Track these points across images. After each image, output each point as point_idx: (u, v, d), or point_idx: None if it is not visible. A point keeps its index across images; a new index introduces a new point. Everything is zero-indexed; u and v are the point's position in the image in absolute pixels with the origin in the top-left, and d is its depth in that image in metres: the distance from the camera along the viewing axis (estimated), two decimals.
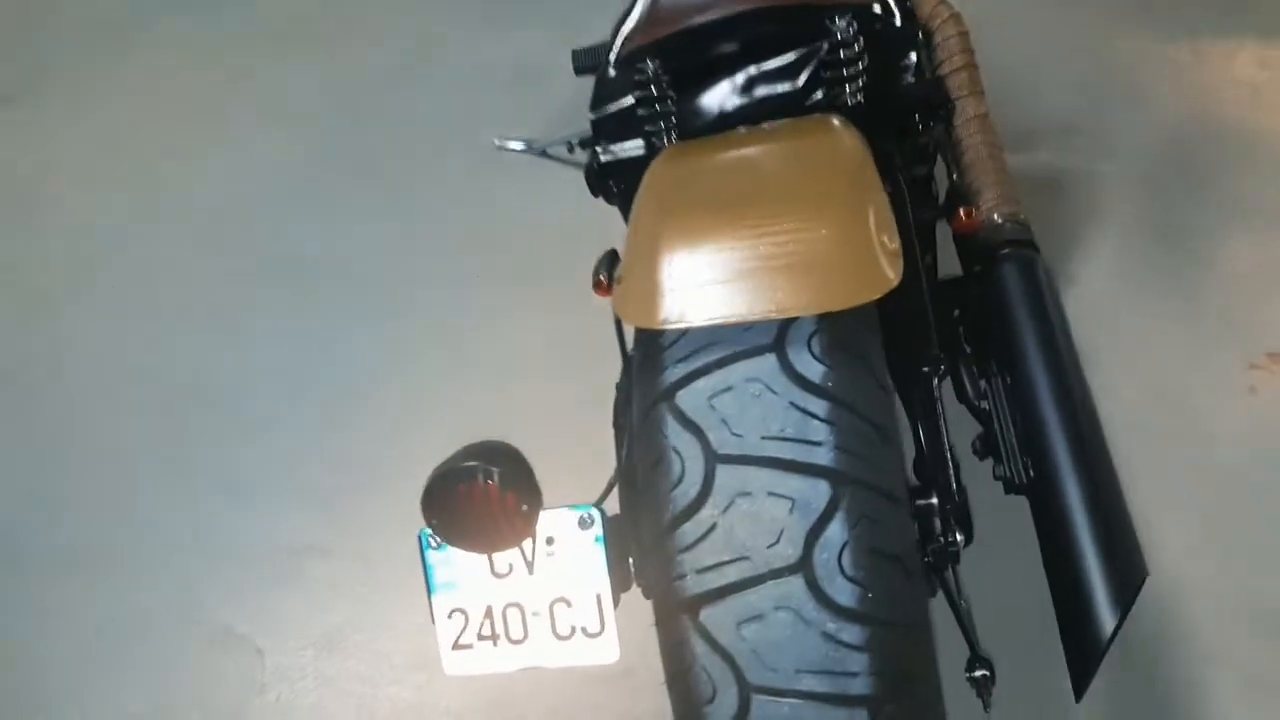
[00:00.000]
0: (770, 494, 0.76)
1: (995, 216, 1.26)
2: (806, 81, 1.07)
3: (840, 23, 1.03)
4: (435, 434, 1.11)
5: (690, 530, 0.78)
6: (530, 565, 0.95)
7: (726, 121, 1.07)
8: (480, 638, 0.99)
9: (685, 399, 0.80)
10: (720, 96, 1.08)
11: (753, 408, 0.78)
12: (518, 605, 0.96)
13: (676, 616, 0.79)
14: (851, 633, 0.75)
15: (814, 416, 0.77)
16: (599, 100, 1.15)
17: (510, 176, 2.35)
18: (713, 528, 0.77)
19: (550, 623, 0.95)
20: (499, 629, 0.98)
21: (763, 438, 0.76)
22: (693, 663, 0.78)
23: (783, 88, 1.07)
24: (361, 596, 1.69)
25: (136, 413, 2.17)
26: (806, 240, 0.77)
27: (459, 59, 2.92)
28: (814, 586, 0.75)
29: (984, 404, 1.10)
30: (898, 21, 1.12)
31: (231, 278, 2.42)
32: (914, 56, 1.14)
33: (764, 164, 0.92)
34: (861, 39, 1.04)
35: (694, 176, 0.92)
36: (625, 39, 1.11)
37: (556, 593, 0.94)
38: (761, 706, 0.76)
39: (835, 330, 0.80)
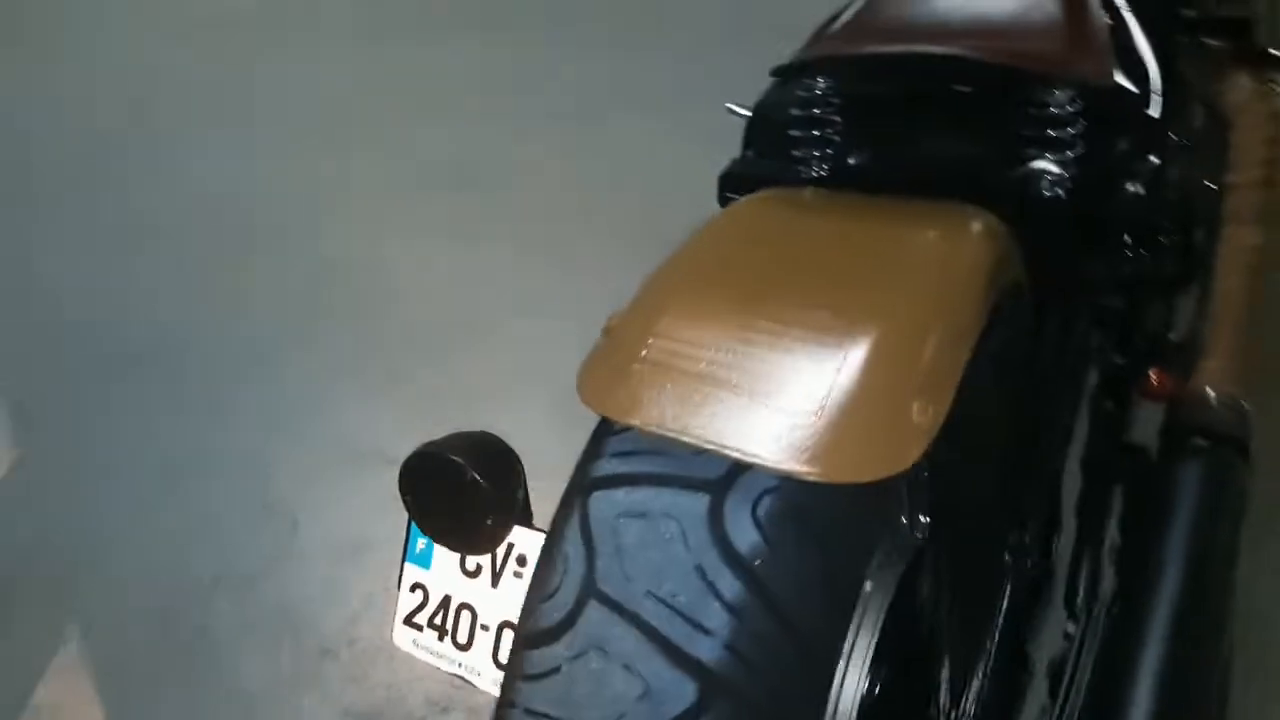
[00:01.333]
0: (625, 666, 0.58)
1: (1208, 391, 0.95)
2: (990, 158, 0.85)
3: (1060, 96, 0.82)
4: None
5: (535, 660, 0.62)
6: (496, 577, 0.87)
7: (871, 177, 0.88)
8: (430, 625, 0.93)
9: (597, 504, 0.63)
10: (879, 146, 0.89)
11: (655, 551, 0.59)
12: (472, 610, 0.89)
13: None
14: None
15: (717, 595, 0.57)
16: (766, 98, 0.98)
17: None
18: (555, 670, 0.60)
19: (493, 643, 0.87)
20: (449, 625, 0.91)
21: (648, 593, 0.58)
22: None
23: (955, 158, 0.87)
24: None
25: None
26: (812, 368, 0.59)
27: None
28: None
29: (1071, 626, 0.87)
30: (1151, 109, 0.89)
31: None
32: (1155, 158, 0.89)
33: (840, 248, 0.73)
34: (1084, 123, 0.82)
35: (754, 237, 0.75)
36: (812, 43, 0.94)
37: (510, 615, 0.86)
38: None
39: (800, 495, 0.60)
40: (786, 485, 0.59)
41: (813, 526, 0.59)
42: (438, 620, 0.92)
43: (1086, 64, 0.82)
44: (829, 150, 0.89)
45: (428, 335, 2.22)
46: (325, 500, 1.88)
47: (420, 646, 0.94)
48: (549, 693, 0.60)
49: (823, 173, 0.89)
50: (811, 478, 0.55)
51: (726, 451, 0.57)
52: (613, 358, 0.65)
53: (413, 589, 0.94)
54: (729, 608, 0.56)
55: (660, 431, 0.59)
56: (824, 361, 0.59)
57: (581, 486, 0.65)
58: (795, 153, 0.91)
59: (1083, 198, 0.83)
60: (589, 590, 0.61)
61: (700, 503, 0.60)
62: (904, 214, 0.78)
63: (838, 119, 0.90)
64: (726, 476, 0.60)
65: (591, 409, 0.63)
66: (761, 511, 0.59)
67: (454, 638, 0.90)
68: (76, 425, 2.15)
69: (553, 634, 0.61)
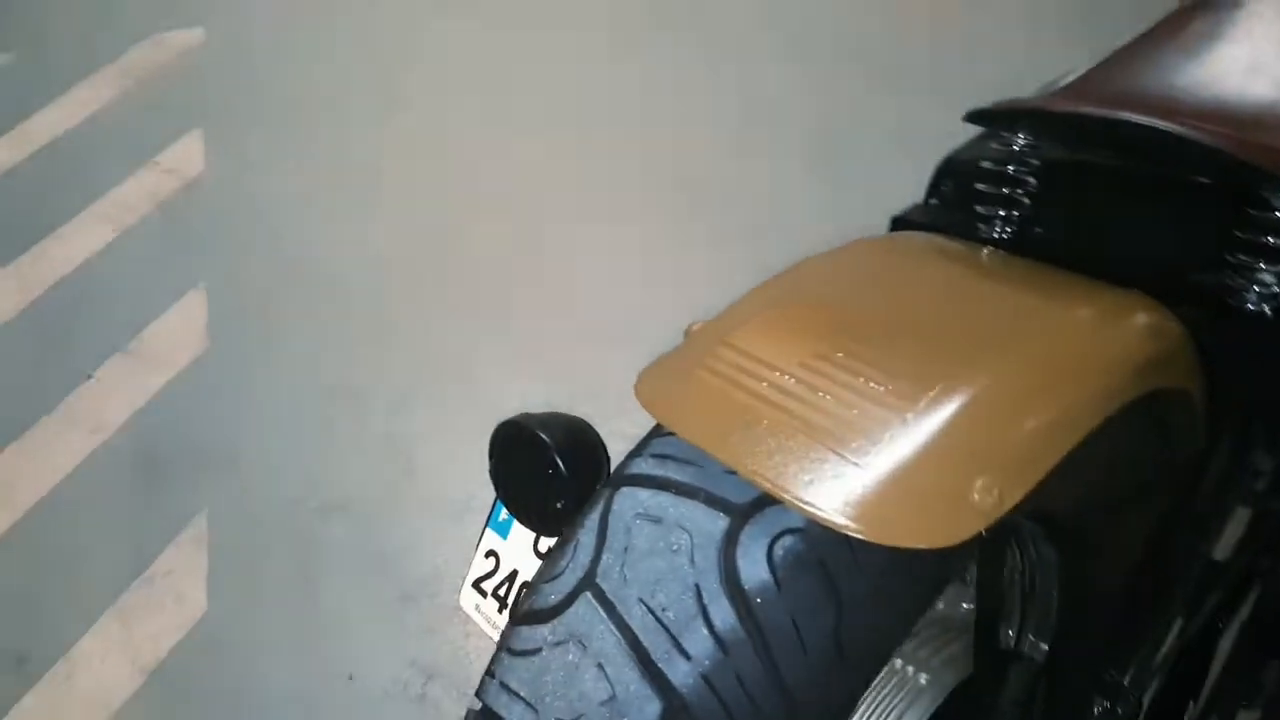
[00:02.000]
0: (599, 666, 0.55)
1: None
2: (1193, 254, 0.76)
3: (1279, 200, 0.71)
4: None
5: (523, 637, 0.60)
6: None
7: (1053, 249, 0.78)
8: (494, 594, 0.96)
9: (621, 499, 0.61)
10: (1070, 217, 0.81)
11: (659, 560, 0.56)
12: None
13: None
14: None
15: (707, 620, 0.53)
16: (962, 147, 0.92)
17: None
18: (536, 651, 0.59)
19: None
20: (509, 599, 0.95)
21: (639, 600, 0.56)
22: None
23: (1152, 245, 0.78)
24: None
25: None
26: (877, 415, 0.54)
27: None
28: None
29: None
30: None
31: None
32: None
33: (967, 305, 0.67)
34: None
35: (872, 274, 0.70)
36: (1030, 99, 0.86)
37: None
38: None
39: (825, 546, 0.55)
40: (812, 530, 0.55)
41: (833, 584, 0.54)
42: (501, 591, 0.95)
43: None
44: (1014, 212, 0.82)
45: (600, 325, 2.25)
46: (447, 454, 1.97)
47: (481, 613, 0.97)
48: (524, 672, 0.59)
49: (1002, 235, 0.83)
50: (836, 526, 0.51)
51: (756, 479, 0.54)
52: (679, 360, 0.63)
53: (487, 555, 0.96)
54: (716, 637, 0.53)
55: (696, 443, 0.57)
56: (893, 411, 0.55)
57: (615, 479, 0.63)
58: (978, 208, 0.84)
59: None
60: (587, 582, 0.59)
61: (718, 523, 0.57)
62: (1060, 287, 0.71)
63: (1031, 180, 0.82)
64: (753, 504, 0.57)
65: (641, 404, 0.61)
66: (779, 549, 0.55)
67: (510, 614, 0.93)
68: (259, 333, 2.34)
69: (544, 616, 0.60)
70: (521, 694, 0.58)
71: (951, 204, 0.89)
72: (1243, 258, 0.74)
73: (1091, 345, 0.64)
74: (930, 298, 0.68)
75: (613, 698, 0.54)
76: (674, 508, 0.58)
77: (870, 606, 0.56)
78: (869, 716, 0.75)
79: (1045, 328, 0.64)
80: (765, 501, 0.56)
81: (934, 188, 0.92)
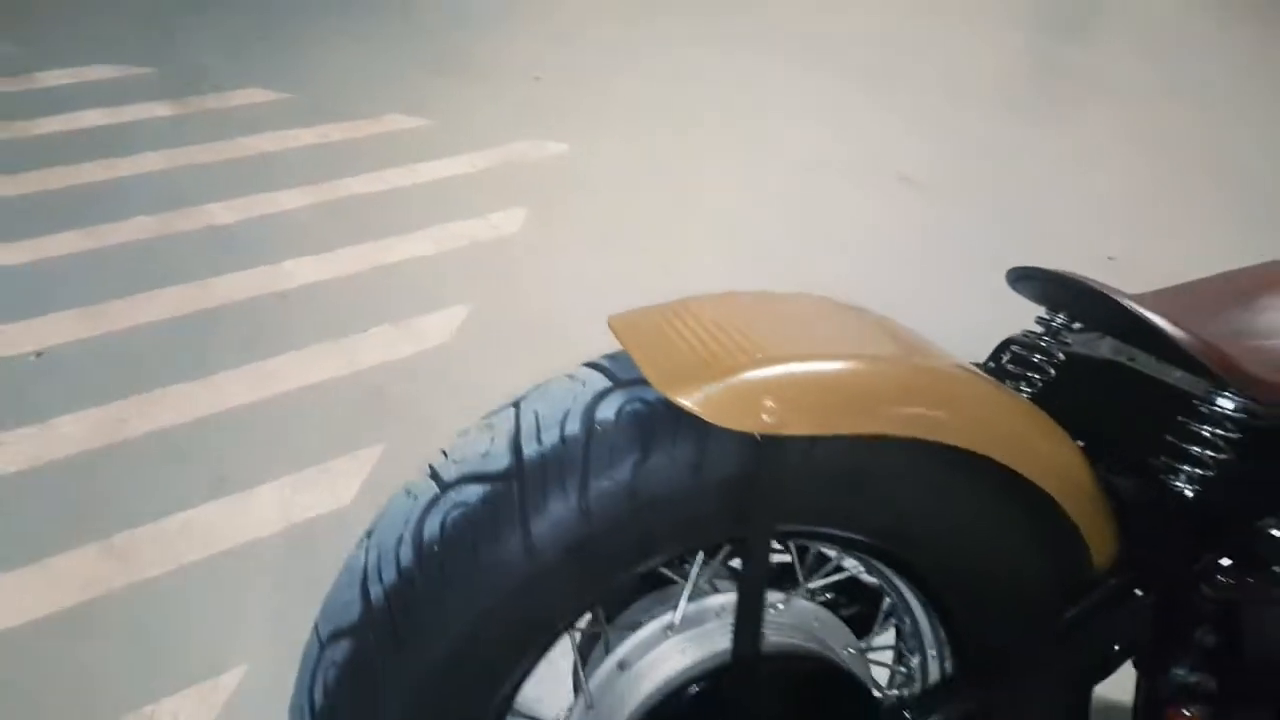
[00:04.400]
0: (505, 435, 0.80)
1: None
2: (1145, 433, 0.93)
3: (1223, 403, 0.87)
4: None
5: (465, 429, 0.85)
6: None
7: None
8: None
9: (576, 369, 0.86)
10: (1068, 389, 1.00)
11: (562, 391, 0.82)
12: None
13: None
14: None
15: (561, 426, 0.78)
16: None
17: None
18: (465, 431, 0.84)
19: None
20: None
21: (534, 409, 0.81)
22: None
23: (1117, 423, 0.98)
24: None
25: None
26: (731, 352, 0.76)
27: None
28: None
29: None
30: None
31: None
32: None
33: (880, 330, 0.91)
34: (1235, 436, 0.87)
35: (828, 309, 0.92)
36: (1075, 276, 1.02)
37: None
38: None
39: (661, 415, 0.77)
40: (656, 403, 0.77)
41: (649, 438, 0.77)
42: None
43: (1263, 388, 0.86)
44: (1035, 376, 1.02)
45: None
46: None
47: None
48: (459, 441, 0.84)
49: (1019, 389, 1.01)
50: (660, 390, 0.73)
51: (636, 359, 0.77)
52: (647, 312, 0.85)
53: None
54: (562, 437, 0.78)
55: (624, 347, 0.80)
56: (744, 353, 0.77)
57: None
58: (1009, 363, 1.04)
59: (1205, 503, 0.88)
60: (520, 399, 0.84)
61: (603, 384, 0.80)
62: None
63: (1059, 356, 1.01)
64: (630, 381, 0.80)
65: (611, 328, 0.83)
66: (629, 405, 0.78)
67: None
68: None
69: (487, 416, 0.85)
70: (447, 452, 0.83)
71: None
72: (1182, 444, 0.89)
73: (931, 379, 0.82)
74: (856, 327, 0.90)
75: (486, 453, 0.80)
76: (588, 373, 0.83)
77: (667, 466, 0.77)
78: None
79: (920, 354, 0.85)
80: (641, 383, 0.78)
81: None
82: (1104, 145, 3.46)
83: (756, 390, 0.75)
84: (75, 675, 1.45)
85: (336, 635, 0.80)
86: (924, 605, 0.94)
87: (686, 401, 0.72)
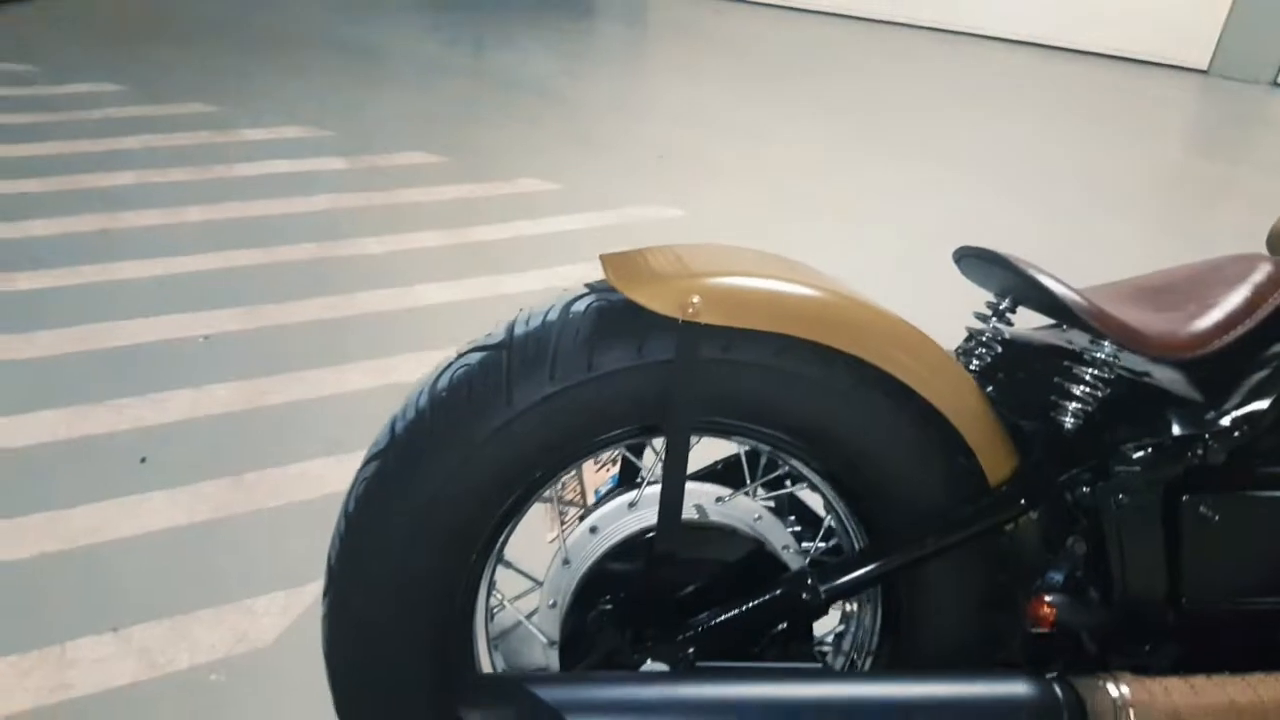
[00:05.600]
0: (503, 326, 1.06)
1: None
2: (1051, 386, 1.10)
3: (1100, 353, 1.06)
4: None
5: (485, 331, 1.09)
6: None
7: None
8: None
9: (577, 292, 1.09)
10: (1006, 366, 1.20)
11: (552, 300, 1.06)
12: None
13: None
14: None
15: (545, 316, 1.02)
16: None
17: None
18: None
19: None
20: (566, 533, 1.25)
21: (524, 314, 1.06)
22: None
23: (1032, 389, 1.13)
24: None
25: None
26: (681, 261, 1.01)
27: None
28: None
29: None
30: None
31: None
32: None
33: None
34: (1108, 376, 1.06)
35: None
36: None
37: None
38: None
39: (620, 309, 0.99)
40: (615, 299, 1.00)
41: (600, 333, 0.99)
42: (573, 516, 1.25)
43: (1140, 339, 1.03)
44: (981, 350, 1.21)
45: None
46: None
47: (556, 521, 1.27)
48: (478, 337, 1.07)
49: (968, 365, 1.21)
50: (611, 281, 0.97)
51: (605, 269, 1.00)
52: (632, 250, 1.06)
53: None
54: (540, 322, 1.02)
55: (607, 275, 1.00)
56: (686, 263, 1.00)
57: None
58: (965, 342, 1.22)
59: (1080, 431, 1.07)
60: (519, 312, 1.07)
61: (583, 289, 1.04)
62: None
63: (1000, 339, 1.22)
64: (601, 286, 1.03)
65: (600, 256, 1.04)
66: (597, 303, 1.01)
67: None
68: None
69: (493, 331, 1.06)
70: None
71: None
72: (1069, 387, 1.07)
73: (840, 300, 1.01)
74: (803, 270, 1.07)
75: (490, 333, 1.04)
76: (577, 286, 1.05)
77: (616, 346, 0.99)
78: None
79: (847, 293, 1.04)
80: (610, 289, 1.01)
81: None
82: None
83: (687, 288, 0.96)
84: (200, 571, 1.77)
85: (368, 460, 1.06)
86: (836, 496, 1.12)
87: (630, 293, 0.95)
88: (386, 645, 1.06)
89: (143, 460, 2.03)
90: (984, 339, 1.19)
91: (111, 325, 2.48)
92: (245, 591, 1.73)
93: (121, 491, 1.94)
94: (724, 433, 1.10)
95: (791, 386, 1.03)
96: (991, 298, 1.20)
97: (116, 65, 4.29)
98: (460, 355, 1.05)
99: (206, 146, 3.60)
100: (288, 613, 1.69)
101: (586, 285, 1.06)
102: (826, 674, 1.07)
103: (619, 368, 1.01)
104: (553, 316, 1.03)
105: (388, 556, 1.03)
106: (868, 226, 3.43)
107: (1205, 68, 5.79)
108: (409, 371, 2.39)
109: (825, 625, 1.18)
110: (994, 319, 1.19)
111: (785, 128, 4.33)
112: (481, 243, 3.12)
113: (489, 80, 4.58)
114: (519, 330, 1.03)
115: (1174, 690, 0.97)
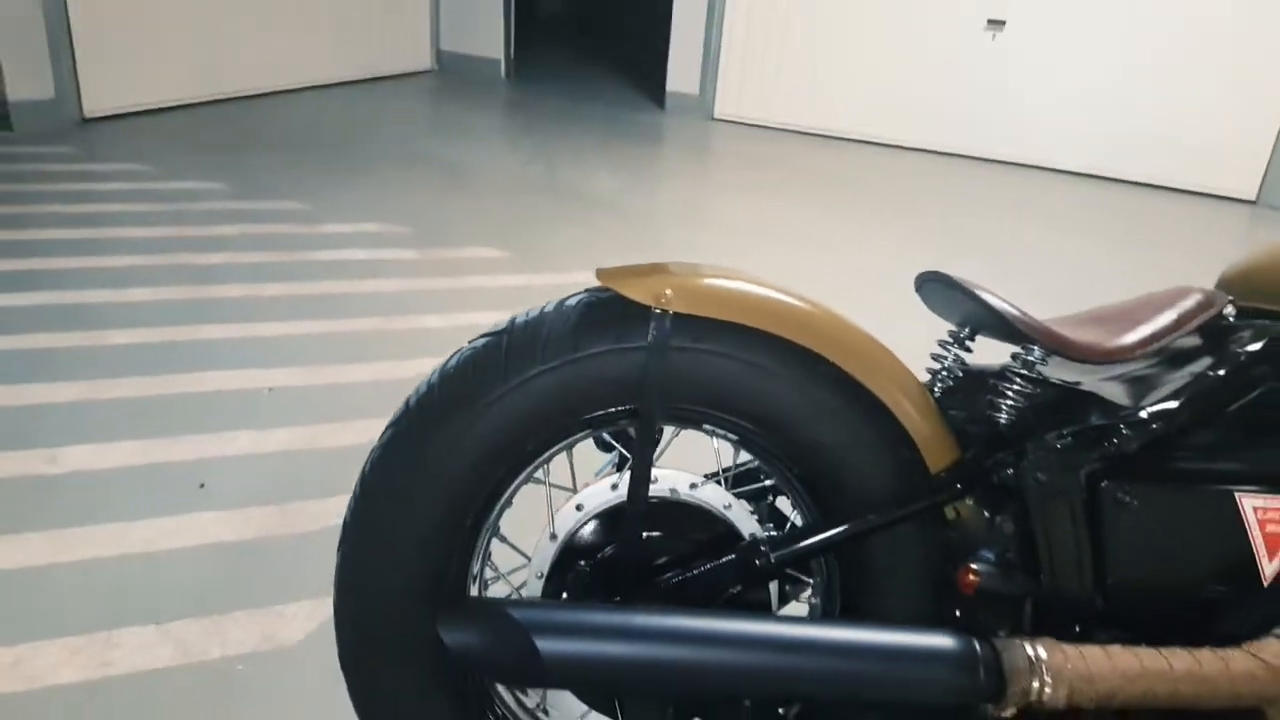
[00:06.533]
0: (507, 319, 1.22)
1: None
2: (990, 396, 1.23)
3: (1032, 359, 1.18)
4: None
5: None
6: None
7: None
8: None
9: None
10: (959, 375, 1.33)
11: (551, 299, 1.26)
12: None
13: None
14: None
15: (542, 309, 1.18)
16: None
17: None
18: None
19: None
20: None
21: (541, 310, 1.21)
22: None
23: (982, 405, 1.24)
24: None
25: None
26: (663, 268, 1.16)
27: None
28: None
29: None
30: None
31: None
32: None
33: None
34: (1038, 379, 1.18)
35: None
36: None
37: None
38: None
39: (606, 301, 1.16)
40: (606, 295, 1.17)
41: (585, 326, 1.15)
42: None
43: (1077, 348, 1.16)
44: (944, 371, 1.35)
45: None
46: None
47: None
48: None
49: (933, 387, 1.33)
50: (599, 276, 1.15)
51: (598, 274, 1.17)
52: (625, 267, 1.20)
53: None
54: (538, 313, 1.20)
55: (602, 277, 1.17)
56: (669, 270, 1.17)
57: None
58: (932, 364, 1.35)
59: (1011, 426, 1.20)
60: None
61: (578, 291, 1.21)
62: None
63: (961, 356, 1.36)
64: (598, 289, 1.19)
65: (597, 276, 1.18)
66: (585, 297, 1.19)
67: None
68: None
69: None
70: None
71: None
72: (1006, 389, 1.20)
73: (804, 304, 1.16)
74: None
75: (497, 323, 1.20)
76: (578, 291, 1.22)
77: (599, 332, 1.14)
78: None
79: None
80: (604, 290, 1.17)
81: None
82: None
83: (663, 283, 1.13)
84: (240, 581, 1.93)
85: (386, 429, 1.22)
86: (793, 479, 1.23)
87: (614, 286, 1.12)
88: (386, 601, 1.19)
89: (201, 486, 2.22)
90: (945, 366, 1.32)
91: (189, 375, 2.72)
92: (278, 599, 1.87)
93: (180, 511, 2.12)
94: (694, 422, 1.23)
95: (753, 376, 1.16)
96: (952, 327, 1.32)
97: (221, 169, 4.74)
98: (470, 342, 1.21)
99: (291, 235, 3.94)
100: (314, 618, 1.82)
101: (585, 289, 1.22)
102: (770, 617, 1.15)
103: (600, 350, 1.15)
104: (549, 309, 1.19)
105: (394, 516, 1.17)
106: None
107: (1254, 198, 5.89)
108: None
109: (797, 610, 1.27)
110: (955, 347, 1.31)
111: (842, 239, 4.53)
112: None
113: (557, 193, 4.92)
114: (519, 320, 1.19)
115: (1089, 656, 1.04)
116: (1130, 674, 1.02)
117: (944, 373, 1.31)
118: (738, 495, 1.27)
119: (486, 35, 7.94)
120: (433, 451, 1.17)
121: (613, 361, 1.16)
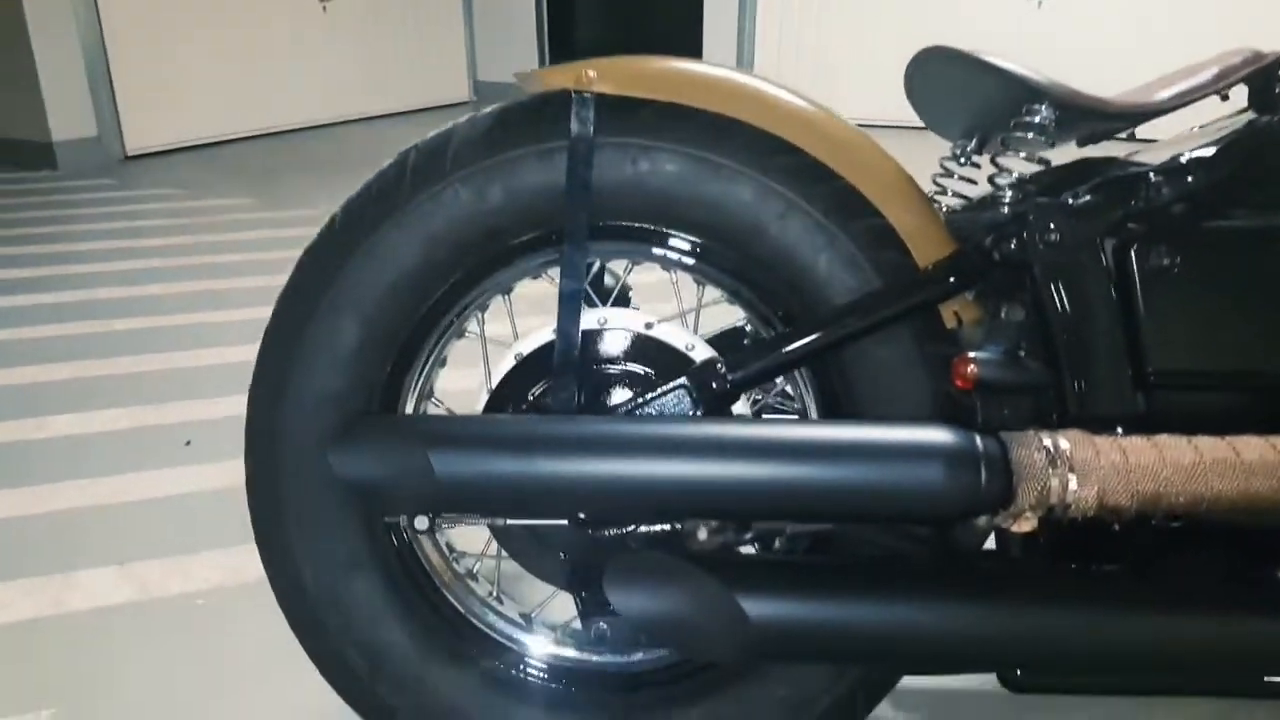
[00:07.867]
0: None
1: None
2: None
3: (1043, 110, 0.97)
4: None
5: None
6: None
7: None
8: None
9: None
10: None
11: None
12: None
13: None
14: None
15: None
16: None
17: None
18: None
19: None
20: None
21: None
22: None
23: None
24: None
25: None
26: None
27: None
28: None
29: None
30: None
31: None
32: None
33: None
34: (1055, 127, 0.96)
35: None
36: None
37: None
38: None
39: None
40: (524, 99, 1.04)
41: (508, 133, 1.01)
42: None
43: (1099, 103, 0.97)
44: None
45: None
46: None
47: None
48: None
49: None
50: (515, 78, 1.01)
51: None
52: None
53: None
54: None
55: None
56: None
57: None
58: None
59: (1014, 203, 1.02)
60: None
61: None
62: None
63: None
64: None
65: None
66: (500, 105, 1.05)
67: None
68: None
69: None
70: None
71: None
72: (1014, 134, 1.00)
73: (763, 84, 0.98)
74: None
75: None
76: None
77: (518, 133, 1.01)
78: None
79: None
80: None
81: None
82: None
83: (584, 66, 0.98)
84: (213, 524, 1.82)
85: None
86: (755, 300, 1.06)
87: (529, 81, 0.97)
88: (301, 419, 1.06)
89: (187, 443, 2.13)
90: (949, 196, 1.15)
91: (190, 353, 2.67)
92: (250, 539, 1.75)
93: (162, 466, 2.03)
94: (630, 253, 1.08)
95: (700, 173, 0.99)
96: (950, 150, 1.15)
97: (251, 188, 4.78)
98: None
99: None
100: None
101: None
102: (702, 418, 0.98)
103: (515, 154, 1.00)
104: (459, 121, 1.05)
105: (313, 336, 1.04)
106: None
107: None
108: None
109: None
110: (956, 175, 1.14)
111: None
112: None
113: None
114: (426, 137, 1.05)
115: (1129, 447, 0.83)
116: (1185, 465, 0.82)
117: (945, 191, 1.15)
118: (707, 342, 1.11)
119: (523, 64, 7.98)
120: (351, 273, 1.04)
121: (531, 167, 1.00)
